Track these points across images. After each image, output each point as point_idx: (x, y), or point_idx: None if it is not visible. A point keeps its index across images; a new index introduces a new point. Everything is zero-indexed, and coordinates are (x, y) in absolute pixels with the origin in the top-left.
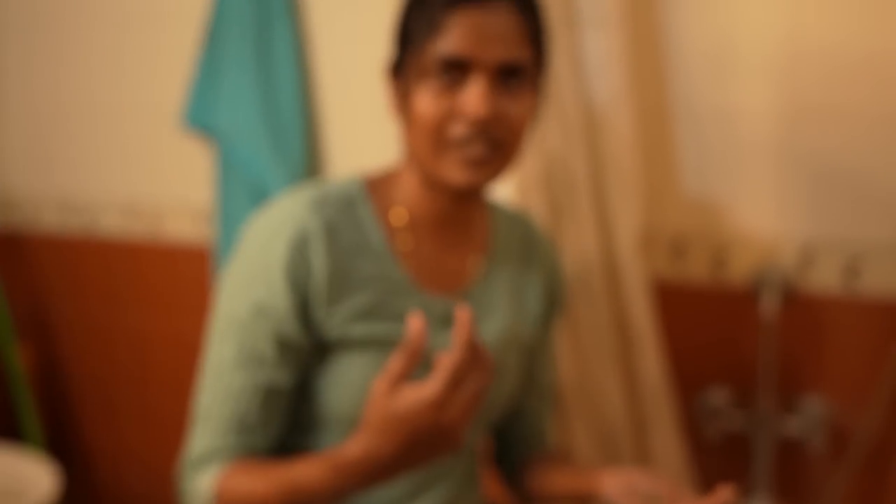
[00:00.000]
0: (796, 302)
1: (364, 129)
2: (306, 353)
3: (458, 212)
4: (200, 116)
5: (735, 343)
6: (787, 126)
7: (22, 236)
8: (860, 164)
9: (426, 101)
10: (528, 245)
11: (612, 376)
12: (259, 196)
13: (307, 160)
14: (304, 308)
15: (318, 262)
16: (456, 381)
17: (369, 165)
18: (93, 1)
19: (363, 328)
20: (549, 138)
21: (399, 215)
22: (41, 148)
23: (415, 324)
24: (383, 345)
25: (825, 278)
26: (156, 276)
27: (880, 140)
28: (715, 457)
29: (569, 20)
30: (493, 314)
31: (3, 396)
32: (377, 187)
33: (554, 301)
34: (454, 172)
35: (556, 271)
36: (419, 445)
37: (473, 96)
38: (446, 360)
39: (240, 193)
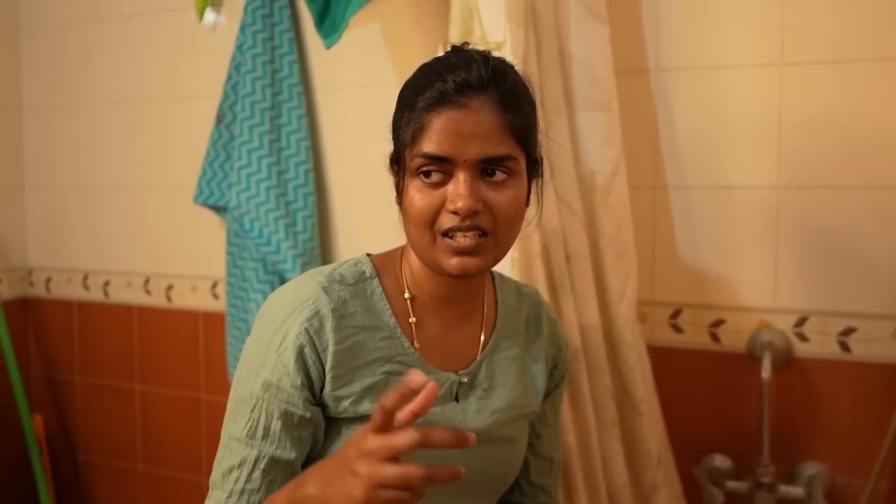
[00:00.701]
0: (792, 368)
1: (369, 208)
2: (314, 429)
3: (460, 291)
4: (213, 194)
5: (734, 409)
6: (777, 199)
7: (38, 307)
8: (849, 235)
9: (417, 195)
10: (534, 320)
11: (615, 444)
12: (269, 269)
13: (316, 236)
14: (312, 389)
15: (330, 345)
16: (389, 432)
17: (375, 241)
18: (109, 85)
19: (373, 404)
20: (548, 214)
21: (406, 295)
22: (60, 223)
23: (415, 376)
24: None
25: (820, 345)
26: (167, 345)
27: (868, 211)
28: None
29: (567, 103)
30: (500, 387)
31: (21, 464)
32: (384, 267)
33: (557, 375)
34: (446, 261)
35: (560, 347)
36: (332, 476)
37: (458, 190)
38: (382, 404)
39: (250, 266)
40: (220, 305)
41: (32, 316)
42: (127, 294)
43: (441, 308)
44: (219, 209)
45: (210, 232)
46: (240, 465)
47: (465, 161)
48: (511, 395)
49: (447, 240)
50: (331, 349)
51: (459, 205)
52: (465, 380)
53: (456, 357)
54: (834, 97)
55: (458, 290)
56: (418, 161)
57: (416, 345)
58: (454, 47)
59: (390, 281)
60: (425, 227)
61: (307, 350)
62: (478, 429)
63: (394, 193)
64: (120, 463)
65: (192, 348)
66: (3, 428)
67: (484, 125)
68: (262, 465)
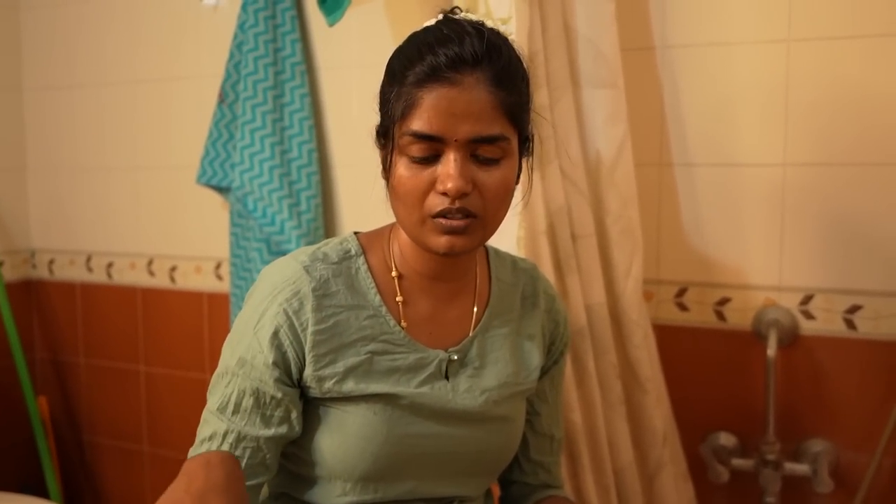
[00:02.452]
0: (798, 346)
1: (373, 187)
2: (286, 410)
3: (450, 268)
4: (216, 174)
5: (739, 387)
6: (783, 176)
7: (41, 289)
8: (855, 212)
9: (405, 174)
10: (530, 294)
11: (621, 422)
12: (273, 249)
13: (319, 216)
14: (288, 370)
15: (310, 325)
16: None
17: (378, 221)
18: (110, 65)
19: (357, 384)
20: (553, 192)
21: (393, 273)
22: (63, 205)
23: None
24: (378, 399)
25: (826, 323)
26: (172, 326)
27: (874, 188)
28: (723, 499)
29: (573, 80)
30: (492, 365)
31: (26, 446)
32: (371, 245)
33: (555, 351)
34: (434, 240)
35: (558, 322)
36: None
37: (447, 171)
38: None
39: (254, 246)
40: (224, 286)
41: (36, 298)
42: (130, 275)
43: (430, 286)
44: (222, 189)
45: (213, 212)
46: (210, 438)
47: (456, 140)
48: (503, 373)
49: (436, 220)
50: (310, 329)
51: (449, 185)
52: (455, 357)
53: (446, 335)
54: (841, 73)
55: (448, 267)
56: (407, 139)
57: (403, 324)
58: (446, 16)
59: (377, 259)
60: (414, 207)
61: (283, 331)
62: (468, 407)
63: (380, 166)
64: (125, 444)
65: (196, 329)
66: (8, 410)
67: (477, 104)
68: (230, 440)
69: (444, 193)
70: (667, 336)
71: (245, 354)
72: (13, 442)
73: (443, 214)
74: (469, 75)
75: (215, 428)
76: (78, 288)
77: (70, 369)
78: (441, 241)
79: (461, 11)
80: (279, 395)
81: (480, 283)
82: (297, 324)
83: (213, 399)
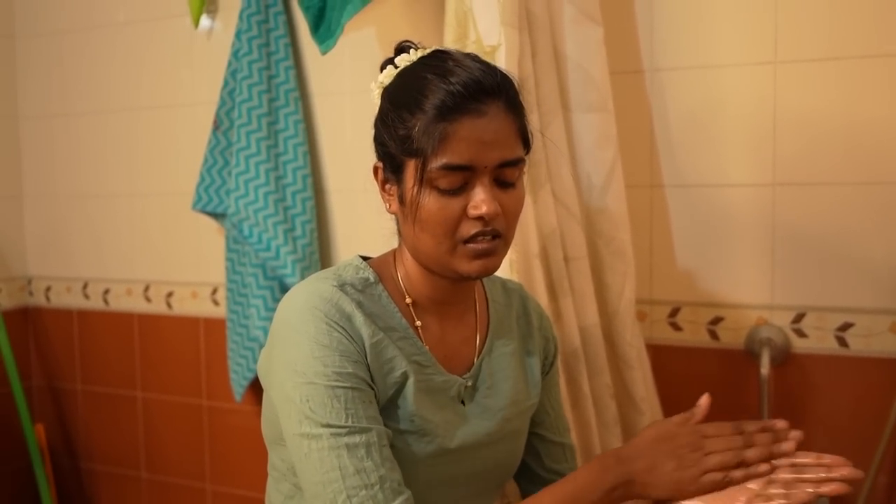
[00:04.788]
0: (790, 364)
1: (368, 212)
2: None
3: (458, 292)
4: (211, 201)
5: (733, 405)
6: (773, 196)
7: (38, 316)
8: (844, 231)
9: (436, 205)
10: (523, 314)
11: (616, 442)
12: (269, 275)
13: (315, 241)
14: (369, 370)
15: (365, 338)
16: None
17: (374, 246)
18: (105, 93)
19: (395, 405)
20: (546, 215)
21: (407, 300)
22: (59, 232)
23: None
24: (408, 422)
25: (818, 341)
26: (168, 352)
27: (863, 207)
28: None
29: (563, 105)
30: (502, 384)
31: (23, 473)
32: (382, 272)
33: (547, 364)
34: (466, 265)
35: (548, 337)
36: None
37: (482, 198)
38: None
39: (250, 272)
40: (220, 312)
41: (33, 325)
42: (127, 302)
43: (439, 310)
44: (217, 215)
45: (209, 238)
46: (367, 453)
47: (485, 168)
48: (513, 391)
49: (469, 245)
50: (367, 342)
51: (484, 210)
52: (470, 383)
53: (457, 359)
54: (828, 94)
55: (457, 292)
56: (440, 172)
57: (427, 347)
58: (437, 49)
59: (391, 286)
60: (445, 236)
61: (352, 342)
62: (486, 430)
63: (383, 201)
64: (123, 470)
65: (193, 355)
66: (5, 438)
67: (501, 131)
68: (385, 442)
69: (479, 218)
70: (661, 356)
71: (340, 368)
72: (10, 470)
73: (474, 238)
74: (492, 104)
75: (365, 441)
76: (75, 315)
77: (67, 396)
78: (474, 266)
79: (414, 43)
80: (374, 391)
81: (480, 306)
82: (355, 337)
83: (339, 424)
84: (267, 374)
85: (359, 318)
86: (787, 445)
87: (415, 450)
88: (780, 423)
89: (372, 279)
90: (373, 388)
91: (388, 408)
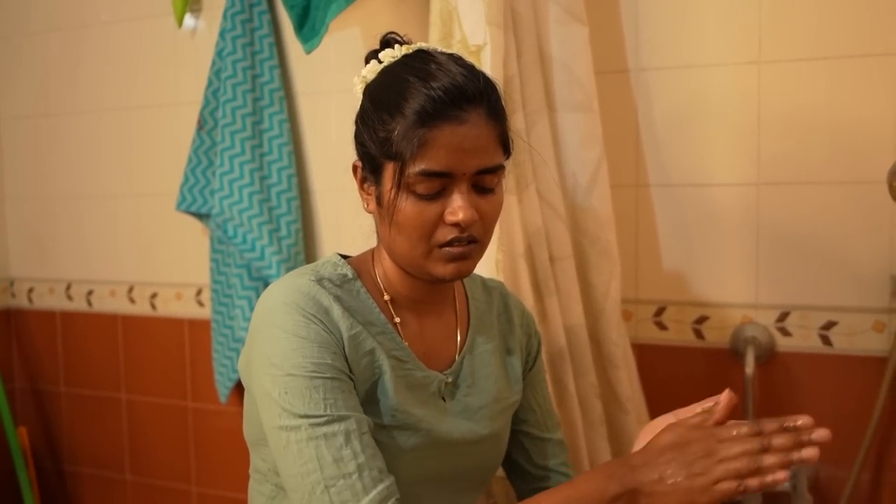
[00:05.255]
0: (775, 362)
1: (353, 212)
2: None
3: (435, 292)
4: (196, 201)
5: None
6: (757, 195)
7: (20, 318)
8: (828, 230)
9: (413, 210)
10: (504, 311)
11: (602, 442)
12: (254, 275)
13: (300, 241)
14: (347, 363)
15: (343, 331)
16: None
17: (359, 246)
18: (88, 93)
19: (372, 399)
20: (531, 215)
21: (385, 297)
22: (41, 233)
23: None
24: (388, 417)
25: (802, 339)
26: (153, 354)
27: (846, 206)
28: None
29: (548, 104)
30: (483, 382)
31: (6, 477)
32: (360, 270)
33: (530, 360)
34: (441, 268)
35: (530, 333)
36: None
37: (459, 204)
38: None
39: (234, 272)
40: (205, 312)
41: (15, 327)
42: (111, 303)
43: (418, 308)
44: (202, 216)
45: (194, 239)
46: (345, 442)
47: (464, 174)
48: (494, 389)
49: (444, 250)
50: (345, 335)
51: (461, 217)
52: (450, 379)
53: (437, 356)
54: (812, 94)
55: (435, 291)
56: (418, 178)
57: (406, 342)
58: (420, 50)
59: (369, 283)
60: (421, 240)
61: (330, 333)
62: (468, 428)
63: (360, 200)
64: (107, 473)
65: (177, 356)
66: None
67: (481, 138)
68: (364, 429)
69: (455, 224)
70: (646, 355)
71: (319, 359)
72: None
73: (450, 243)
74: (472, 111)
75: (345, 429)
76: (58, 316)
77: (50, 399)
78: (448, 269)
79: (400, 37)
80: (353, 382)
81: (460, 305)
82: (333, 330)
83: (317, 414)
84: (247, 372)
85: (336, 311)
86: (809, 452)
87: (398, 443)
88: (803, 420)
89: (350, 276)
90: (352, 380)
91: (367, 401)
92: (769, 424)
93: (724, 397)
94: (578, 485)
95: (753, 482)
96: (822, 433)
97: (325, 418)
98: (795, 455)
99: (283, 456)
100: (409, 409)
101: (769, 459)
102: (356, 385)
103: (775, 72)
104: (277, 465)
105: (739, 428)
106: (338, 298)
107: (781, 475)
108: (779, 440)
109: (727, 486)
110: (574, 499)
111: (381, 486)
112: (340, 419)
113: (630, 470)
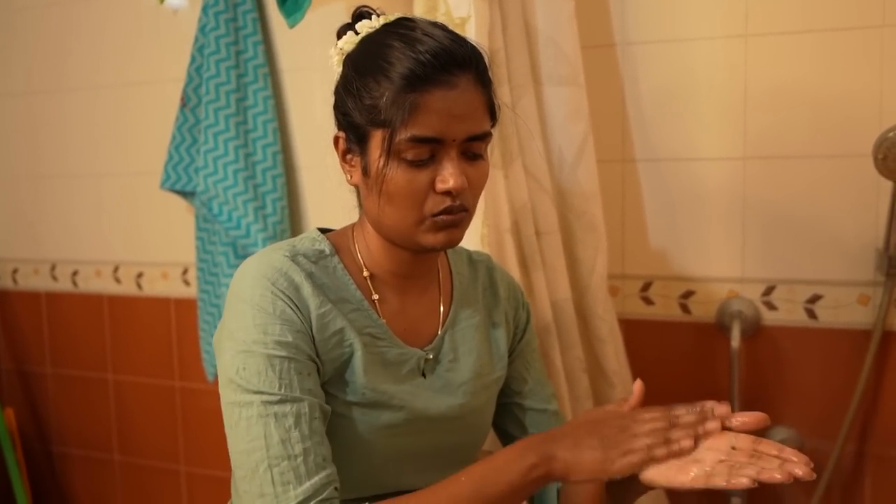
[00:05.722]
0: (761, 336)
1: (338, 189)
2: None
3: (420, 265)
4: (180, 179)
5: (705, 378)
6: (743, 170)
7: (5, 299)
8: (814, 204)
9: (404, 177)
10: (490, 285)
11: None
12: (239, 253)
13: (285, 218)
14: (314, 342)
15: (312, 309)
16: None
17: (344, 223)
18: (69, 71)
19: (341, 378)
20: (517, 190)
21: (364, 273)
22: (25, 213)
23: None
24: (363, 395)
25: (787, 313)
26: (140, 333)
27: (832, 180)
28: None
29: (534, 78)
30: (465, 357)
31: None
32: (339, 245)
33: (518, 331)
34: (431, 238)
35: (518, 305)
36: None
37: (450, 171)
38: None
39: (220, 251)
40: (191, 292)
41: (0, 308)
42: (96, 283)
43: (400, 284)
44: (186, 194)
45: (179, 217)
46: (295, 423)
47: (453, 140)
48: (476, 365)
49: (434, 219)
50: (314, 314)
51: (452, 184)
52: (431, 356)
53: (418, 332)
54: (799, 67)
55: (418, 264)
56: (406, 144)
57: (383, 319)
58: (402, 18)
59: (348, 259)
60: (412, 209)
61: (297, 312)
62: (448, 404)
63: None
64: (95, 454)
65: (164, 336)
66: None
67: (471, 104)
68: (316, 415)
69: (446, 192)
70: (633, 330)
71: (281, 337)
72: None
73: (441, 212)
74: (462, 76)
75: (296, 411)
76: (43, 297)
77: (37, 380)
78: (439, 238)
79: (373, 9)
80: (319, 365)
81: (443, 279)
82: (301, 308)
83: (271, 392)
84: (217, 347)
85: (307, 289)
86: (712, 425)
87: (370, 421)
88: (710, 403)
89: (327, 251)
90: (314, 362)
91: (336, 381)
92: (680, 408)
93: (637, 386)
94: (497, 458)
95: (661, 451)
96: (722, 408)
97: (278, 397)
98: (701, 428)
99: (234, 432)
100: (381, 387)
101: (677, 433)
102: (324, 364)
103: (762, 45)
104: (228, 441)
105: (651, 411)
106: (310, 275)
107: (687, 443)
108: (687, 418)
109: (637, 456)
110: (492, 469)
111: (322, 474)
112: (294, 400)
113: (548, 440)
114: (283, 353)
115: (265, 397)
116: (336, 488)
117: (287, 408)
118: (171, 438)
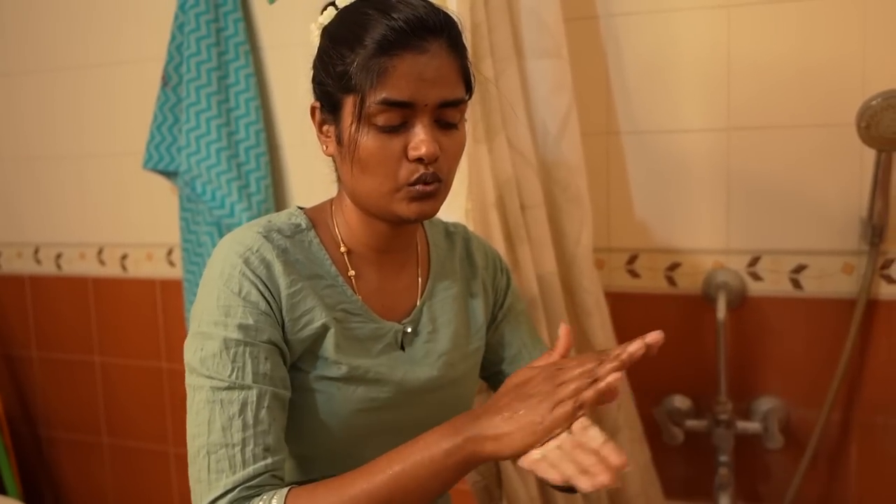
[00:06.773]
0: (746, 307)
1: (322, 167)
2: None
3: (398, 239)
4: (163, 159)
5: (691, 350)
6: (727, 140)
7: None
8: (798, 174)
9: (375, 144)
10: (467, 256)
11: None
12: (224, 232)
13: (270, 196)
14: (281, 322)
15: (282, 288)
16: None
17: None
18: (49, 51)
19: (321, 354)
20: (501, 163)
21: (341, 249)
22: (6, 196)
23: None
24: (339, 370)
25: (773, 284)
26: (125, 315)
27: (816, 149)
28: (679, 460)
29: (517, 51)
30: (444, 328)
31: None
32: (317, 220)
33: (499, 296)
34: (405, 208)
35: (496, 272)
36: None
37: (421, 137)
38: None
39: (204, 230)
40: (176, 272)
41: None
42: (81, 266)
43: (378, 258)
44: (169, 174)
45: (162, 198)
46: (239, 412)
47: (426, 106)
48: (455, 335)
49: (408, 189)
50: (283, 293)
51: (423, 150)
52: (409, 329)
53: (397, 306)
54: (781, 37)
55: (396, 238)
56: (377, 108)
57: (358, 295)
58: None
59: (324, 234)
60: (386, 177)
61: (265, 292)
62: (427, 375)
63: (319, 143)
64: (84, 437)
65: (150, 317)
66: None
67: (443, 69)
68: (265, 403)
69: (419, 160)
70: (619, 303)
71: (245, 321)
72: None
73: (416, 182)
74: (433, 41)
75: (243, 398)
76: (27, 280)
77: (23, 364)
78: (412, 208)
79: None
80: (285, 349)
81: (421, 252)
82: (271, 287)
83: (221, 377)
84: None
85: (278, 268)
86: (635, 346)
87: (347, 396)
88: (635, 345)
89: (304, 225)
90: (276, 346)
91: (307, 357)
92: (608, 352)
93: (562, 330)
94: (419, 440)
95: (589, 393)
96: (654, 335)
97: (227, 384)
98: (625, 353)
99: (188, 415)
100: (355, 362)
101: (603, 369)
102: (294, 345)
103: (744, 15)
104: None
105: (581, 357)
106: (284, 251)
107: (613, 378)
108: (614, 353)
109: (567, 406)
110: (410, 451)
111: (259, 463)
112: (241, 388)
113: (470, 420)
114: (241, 337)
115: (214, 382)
116: (276, 476)
117: (234, 394)
118: (159, 420)
